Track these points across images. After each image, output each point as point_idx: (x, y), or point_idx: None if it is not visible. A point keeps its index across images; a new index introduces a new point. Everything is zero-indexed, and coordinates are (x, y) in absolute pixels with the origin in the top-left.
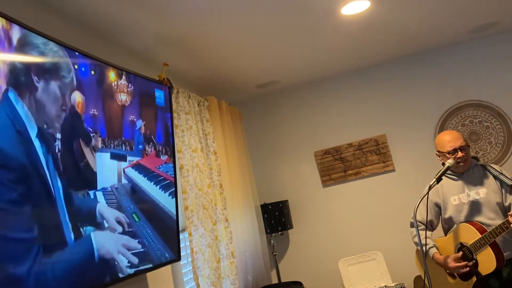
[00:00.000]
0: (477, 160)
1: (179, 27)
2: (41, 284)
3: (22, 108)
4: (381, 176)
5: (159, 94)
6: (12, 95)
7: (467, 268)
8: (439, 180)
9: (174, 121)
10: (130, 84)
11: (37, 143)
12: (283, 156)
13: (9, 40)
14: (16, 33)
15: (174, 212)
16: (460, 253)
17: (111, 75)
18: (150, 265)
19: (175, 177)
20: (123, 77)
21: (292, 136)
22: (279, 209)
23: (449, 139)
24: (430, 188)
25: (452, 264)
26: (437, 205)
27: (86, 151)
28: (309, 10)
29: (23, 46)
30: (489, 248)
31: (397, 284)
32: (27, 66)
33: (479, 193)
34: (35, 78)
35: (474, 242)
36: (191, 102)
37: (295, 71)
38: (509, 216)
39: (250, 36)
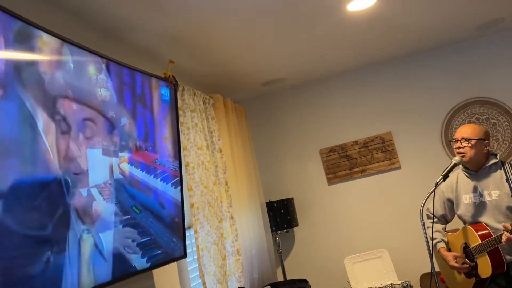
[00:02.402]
0: (496, 157)
1: (184, 25)
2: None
3: (28, 102)
4: (387, 174)
5: (165, 91)
6: (19, 89)
7: (465, 269)
8: (445, 177)
9: (180, 119)
10: (109, 80)
11: (44, 136)
12: (288, 154)
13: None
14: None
15: (179, 199)
16: (463, 254)
17: (90, 69)
18: (159, 251)
19: (180, 174)
20: (103, 72)
21: (298, 133)
22: (284, 207)
23: (459, 129)
24: (436, 185)
25: (452, 262)
26: (450, 201)
27: (74, 147)
28: (315, 6)
29: (23, 39)
30: (487, 255)
31: (403, 282)
32: (31, 61)
33: (492, 194)
34: (41, 72)
35: (474, 247)
36: (196, 99)
37: (300, 69)
38: (504, 234)
39: (255, 33)
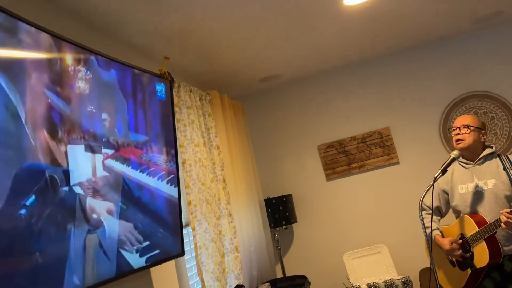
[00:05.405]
0: (492, 148)
1: (180, 20)
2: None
3: (10, 89)
4: (385, 169)
5: (160, 88)
6: (2, 80)
7: (459, 252)
8: (444, 171)
9: (176, 115)
10: (89, 72)
11: (28, 127)
12: (286, 150)
13: None
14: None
15: (176, 197)
16: (459, 240)
17: (68, 59)
18: (157, 249)
19: (177, 172)
20: (81, 62)
21: (296, 129)
22: (283, 203)
23: (458, 118)
24: (435, 180)
25: (447, 246)
26: (446, 192)
27: (52, 144)
28: (311, 1)
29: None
30: (484, 242)
31: (403, 277)
32: (17, 55)
33: (487, 183)
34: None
35: (471, 235)
36: (192, 96)
37: (297, 64)
38: (501, 215)
39: (252, 29)
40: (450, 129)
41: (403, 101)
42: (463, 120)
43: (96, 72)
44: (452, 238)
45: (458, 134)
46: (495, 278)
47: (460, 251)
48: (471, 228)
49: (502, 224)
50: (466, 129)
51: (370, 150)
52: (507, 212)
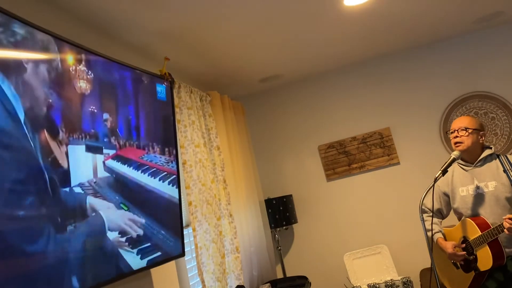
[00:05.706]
0: (491, 149)
1: (180, 21)
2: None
3: (9, 89)
4: (385, 169)
5: (161, 89)
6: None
7: (463, 257)
8: (444, 172)
9: (176, 116)
10: (90, 72)
11: (27, 127)
12: (287, 151)
13: None
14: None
15: (177, 197)
16: (462, 244)
17: (69, 59)
18: (157, 250)
19: (178, 172)
20: (82, 63)
21: (296, 130)
22: (283, 204)
23: (455, 120)
24: (435, 180)
25: (450, 250)
26: (446, 195)
27: (53, 144)
28: (312, 2)
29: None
30: (487, 246)
31: (403, 278)
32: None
33: (488, 186)
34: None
35: (474, 239)
36: (193, 97)
37: (298, 65)
38: (504, 221)
39: (252, 30)
40: (448, 132)
41: (403, 102)
42: (460, 122)
43: (97, 72)
44: (455, 242)
45: (457, 136)
46: (498, 278)
47: (464, 256)
48: (474, 232)
49: (505, 230)
50: (464, 131)
51: (371, 150)
52: (509, 219)
